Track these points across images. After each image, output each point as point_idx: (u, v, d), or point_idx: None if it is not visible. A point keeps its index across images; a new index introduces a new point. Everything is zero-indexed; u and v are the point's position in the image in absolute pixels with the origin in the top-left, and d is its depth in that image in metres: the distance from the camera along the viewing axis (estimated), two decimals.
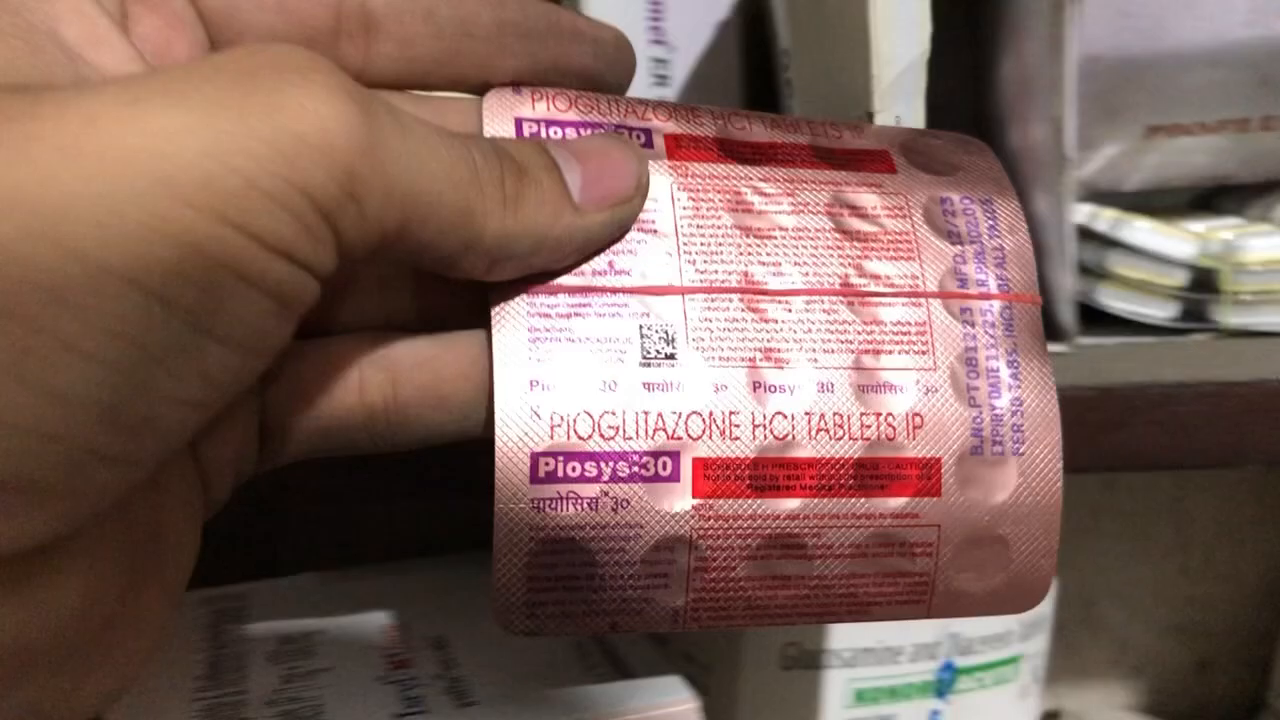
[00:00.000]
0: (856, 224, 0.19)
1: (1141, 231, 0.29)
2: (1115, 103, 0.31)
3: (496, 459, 0.17)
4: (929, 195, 0.20)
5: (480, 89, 0.18)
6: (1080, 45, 0.27)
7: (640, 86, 0.30)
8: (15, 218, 0.12)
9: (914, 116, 0.24)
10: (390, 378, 0.17)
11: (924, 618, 0.19)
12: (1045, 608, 0.34)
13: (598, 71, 0.19)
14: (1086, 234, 0.29)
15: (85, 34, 0.15)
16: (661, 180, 0.19)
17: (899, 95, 0.23)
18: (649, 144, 0.19)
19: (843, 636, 0.31)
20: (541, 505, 0.17)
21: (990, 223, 0.20)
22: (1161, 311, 0.29)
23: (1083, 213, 0.29)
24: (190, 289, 0.13)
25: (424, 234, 0.15)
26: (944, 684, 0.32)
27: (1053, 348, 0.28)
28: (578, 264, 0.18)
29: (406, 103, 0.18)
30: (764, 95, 0.30)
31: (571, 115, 0.19)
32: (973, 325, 0.19)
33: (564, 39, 0.18)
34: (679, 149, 0.19)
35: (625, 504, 0.17)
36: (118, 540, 0.14)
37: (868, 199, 0.19)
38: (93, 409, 0.12)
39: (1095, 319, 0.29)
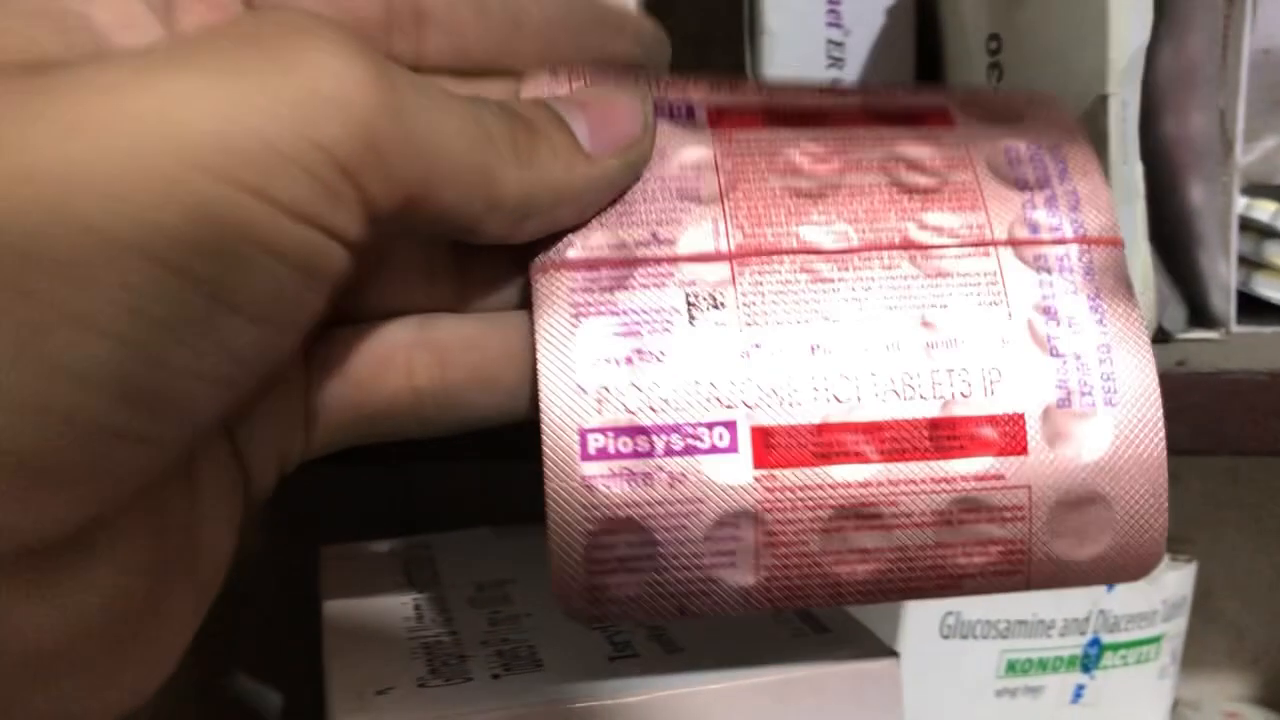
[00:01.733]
0: (914, 178, 0.18)
1: None
2: None
3: (544, 438, 0.16)
4: (992, 146, 0.19)
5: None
6: (1252, 39, 0.27)
7: (815, 68, 0.31)
8: (25, 191, 0.11)
9: (1135, 102, 0.24)
10: (438, 359, 0.17)
11: (1023, 589, 0.18)
12: (1186, 589, 0.34)
13: (640, 62, 0.19)
14: (1243, 224, 0.29)
15: (118, 18, 0.15)
16: (704, 150, 0.18)
17: (1129, 79, 0.23)
18: (691, 116, 0.18)
19: (999, 608, 0.31)
20: (594, 484, 0.16)
21: (1060, 166, 0.19)
22: None
23: (1238, 203, 0.30)
24: (206, 259, 0.12)
25: (447, 195, 0.15)
26: (1090, 659, 0.32)
27: (1208, 335, 0.29)
28: (608, 225, 0.17)
29: (447, 83, 0.17)
30: (934, 78, 0.31)
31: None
32: (1049, 272, 0.18)
33: (609, 31, 0.18)
34: (723, 118, 0.18)
35: (682, 479, 0.16)
36: (146, 535, 0.14)
37: (925, 152, 0.18)
38: (110, 386, 0.12)
39: (1249, 308, 0.30)
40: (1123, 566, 0.18)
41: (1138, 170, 0.25)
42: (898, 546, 0.17)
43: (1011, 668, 0.32)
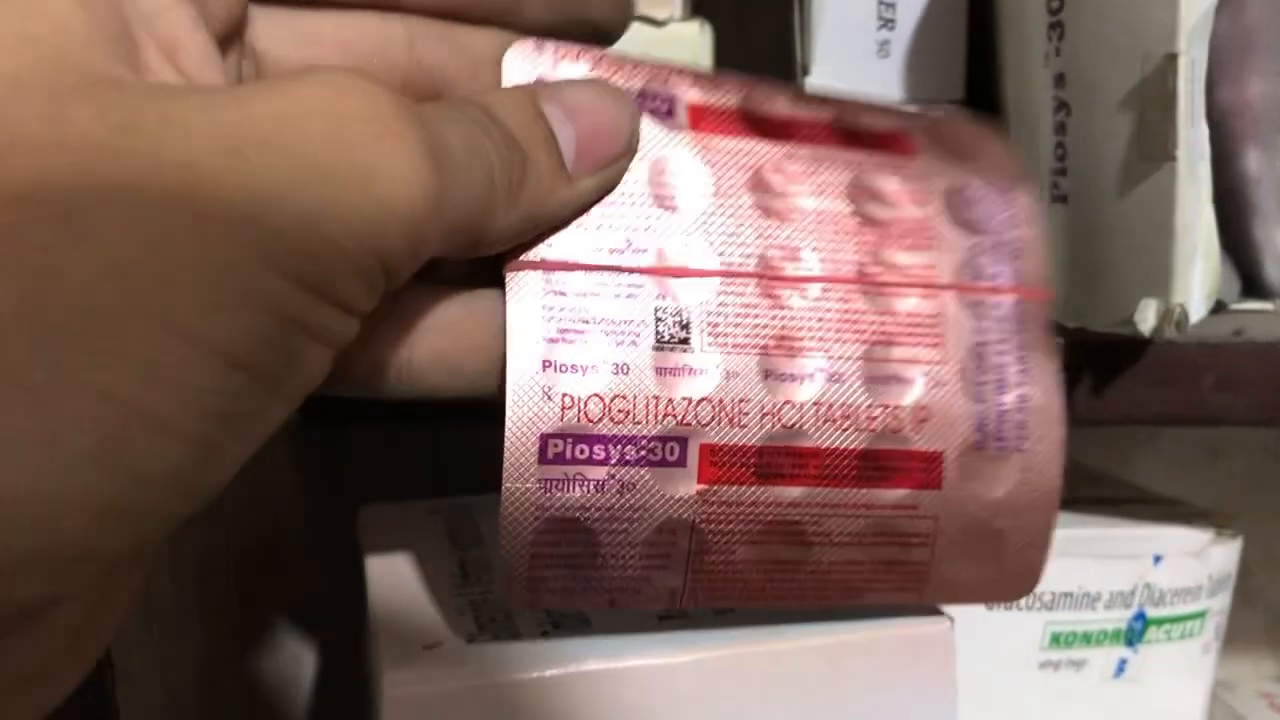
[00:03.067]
0: (876, 209, 0.19)
1: None
2: None
3: (506, 439, 0.17)
4: (949, 182, 0.19)
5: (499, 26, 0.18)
6: None
7: (866, 28, 0.30)
8: (112, 284, 0.11)
9: (1203, 62, 0.23)
10: (404, 338, 0.17)
11: (915, 602, 0.20)
12: (1231, 564, 0.34)
13: (611, 23, 0.19)
14: None
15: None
16: (684, 154, 0.18)
17: (1198, 38, 0.23)
18: (671, 113, 0.18)
19: (1045, 580, 0.31)
20: (549, 486, 0.17)
21: (1008, 213, 0.20)
22: None
23: None
24: (273, 356, 0.13)
25: (445, 248, 0.15)
26: (1134, 633, 0.32)
27: (1262, 306, 0.28)
28: (586, 227, 0.17)
29: (434, 30, 0.17)
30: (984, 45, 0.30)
31: (595, 78, 0.18)
32: (985, 320, 0.19)
33: None
34: (702, 120, 0.19)
35: (631, 487, 0.17)
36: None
37: (888, 184, 0.19)
38: (173, 485, 0.12)
39: None
40: (1005, 587, 0.20)
41: (1203, 132, 0.24)
42: (814, 561, 0.19)
43: (1055, 640, 0.31)
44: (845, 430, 0.18)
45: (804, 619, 0.22)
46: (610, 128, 0.17)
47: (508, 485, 0.17)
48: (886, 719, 0.22)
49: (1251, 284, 0.28)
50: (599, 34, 0.19)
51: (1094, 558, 0.31)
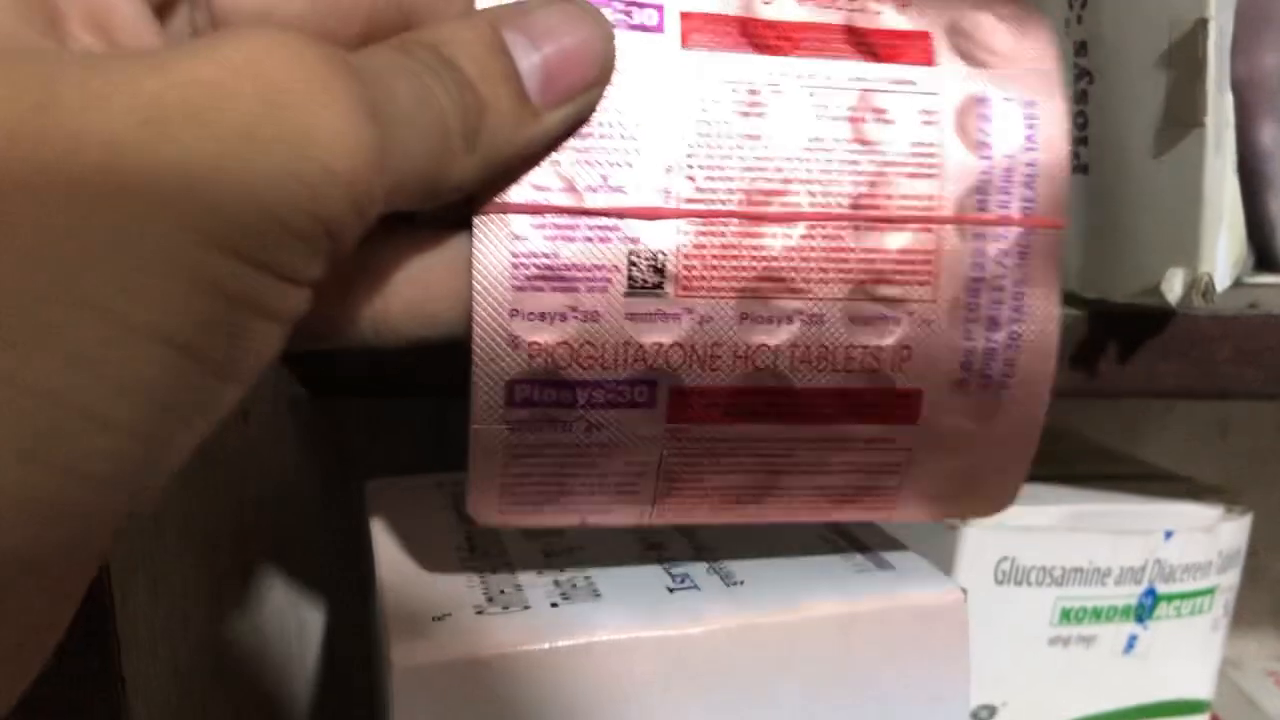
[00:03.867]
0: (879, 132, 0.17)
1: None
2: None
3: (473, 383, 0.17)
4: (966, 94, 0.18)
5: None
6: None
7: None
8: (31, 272, 0.11)
9: (1229, 28, 0.23)
10: (378, 289, 0.16)
11: (886, 521, 0.20)
12: (1241, 541, 0.33)
13: None
14: None
15: None
16: (671, 72, 0.17)
17: (1225, 4, 0.22)
18: (660, 26, 0.17)
19: (1055, 554, 0.31)
20: (517, 426, 0.17)
21: (1029, 131, 0.18)
22: None
23: None
24: (215, 336, 0.12)
25: (399, 202, 0.14)
26: (1144, 609, 0.32)
27: (1274, 279, 0.28)
28: (561, 161, 0.16)
29: None
30: None
31: None
32: (984, 253, 0.18)
33: None
34: (695, 32, 0.17)
35: (599, 427, 0.17)
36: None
37: (896, 101, 0.17)
38: (116, 481, 0.12)
39: None
40: (975, 508, 0.20)
41: (1229, 100, 0.24)
42: (783, 487, 0.19)
43: (1066, 616, 0.31)
44: (820, 371, 0.17)
45: (813, 592, 0.21)
46: (581, 52, 0.16)
47: (476, 426, 0.17)
48: (900, 689, 0.21)
49: (1266, 257, 0.28)
50: None
51: (1105, 533, 0.31)
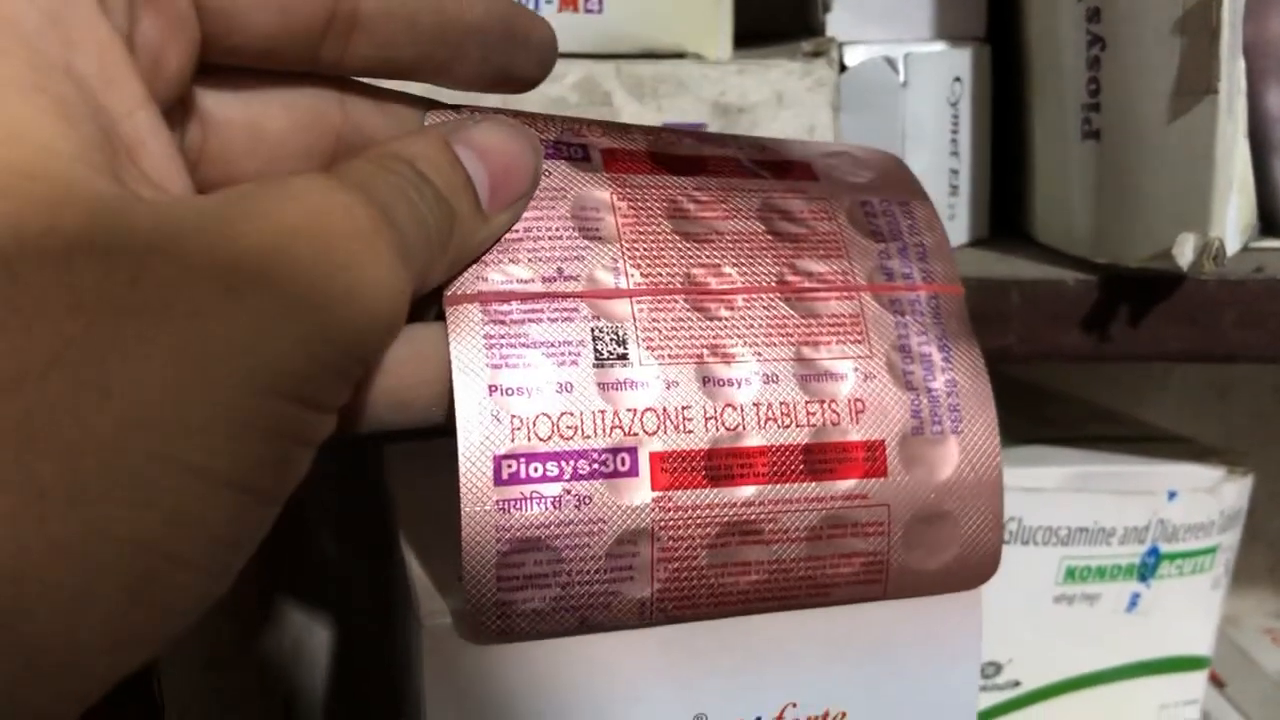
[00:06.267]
0: (787, 226, 0.20)
1: None
2: None
3: (460, 465, 0.17)
4: (851, 199, 0.21)
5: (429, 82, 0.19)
6: None
7: None
8: (136, 439, 0.12)
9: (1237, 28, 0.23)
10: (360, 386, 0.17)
11: (880, 599, 0.20)
12: (1243, 500, 0.34)
13: (535, 77, 0.20)
14: None
15: (99, 67, 0.14)
16: (602, 192, 0.20)
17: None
18: (586, 159, 0.20)
19: (1060, 515, 0.31)
20: (507, 506, 0.18)
21: (909, 222, 0.21)
22: None
23: None
24: (273, 473, 0.13)
25: None
26: (1147, 568, 0.32)
27: (1276, 244, 0.28)
28: (519, 260, 0.19)
29: (363, 92, 0.19)
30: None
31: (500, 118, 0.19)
32: (903, 315, 0.20)
33: (515, 46, 0.19)
34: (615, 161, 0.20)
35: (588, 500, 0.18)
36: None
37: (795, 204, 0.21)
38: (190, 612, 0.13)
39: None
40: (965, 576, 0.21)
41: (1241, 66, 0.24)
42: (775, 559, 0.19)
43: (1070, 574, 0.32)
44: (786, 427, 0.19)
45: None
46: (518, 165, 0.18)
47: (466, 509, 0.17)
48: (913, 646, 0.22)
49: (1271, 222, 0.28)
50: (522, 85, 0.20)
51: (1109, 493, 0.32)
